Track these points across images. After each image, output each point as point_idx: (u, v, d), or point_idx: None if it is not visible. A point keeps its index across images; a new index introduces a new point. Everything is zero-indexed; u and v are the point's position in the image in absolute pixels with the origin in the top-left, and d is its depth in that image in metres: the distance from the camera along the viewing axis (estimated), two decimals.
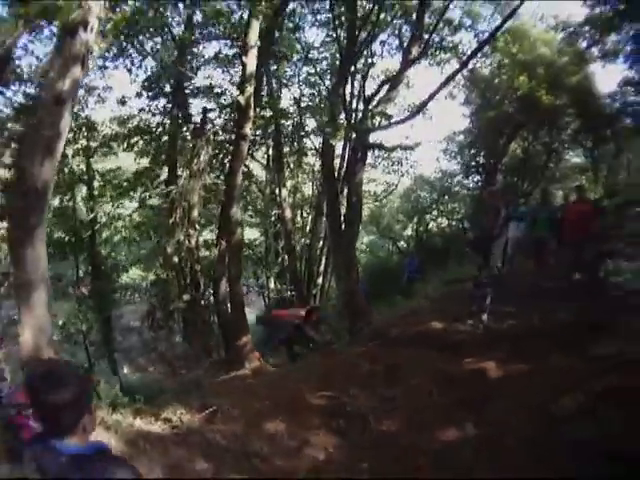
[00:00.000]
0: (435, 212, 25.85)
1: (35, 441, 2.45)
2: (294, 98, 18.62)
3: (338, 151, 16.57)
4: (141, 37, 14.85)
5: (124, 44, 14.54)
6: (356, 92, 17.58)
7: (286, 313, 11.98)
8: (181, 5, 14.01)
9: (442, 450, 5.66)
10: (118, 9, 7.61)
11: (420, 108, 16.37)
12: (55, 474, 2.29)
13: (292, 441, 6.09)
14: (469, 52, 17.16)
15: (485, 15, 18.23)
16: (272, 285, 18.13)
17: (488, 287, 9.94)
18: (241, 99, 10.93)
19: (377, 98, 15.94)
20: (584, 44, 19.56)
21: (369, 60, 18.21)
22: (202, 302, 12.74)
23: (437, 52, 18.05)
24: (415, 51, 15.10)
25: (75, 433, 2.39)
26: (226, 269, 11.18)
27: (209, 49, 16.03)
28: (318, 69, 18.41)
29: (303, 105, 18.52)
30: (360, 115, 16.21)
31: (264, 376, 8.86)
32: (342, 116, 15.39)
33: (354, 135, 15.10)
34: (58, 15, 6.16)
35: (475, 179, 24.58)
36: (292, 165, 18.69)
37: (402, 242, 26.79)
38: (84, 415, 2.42)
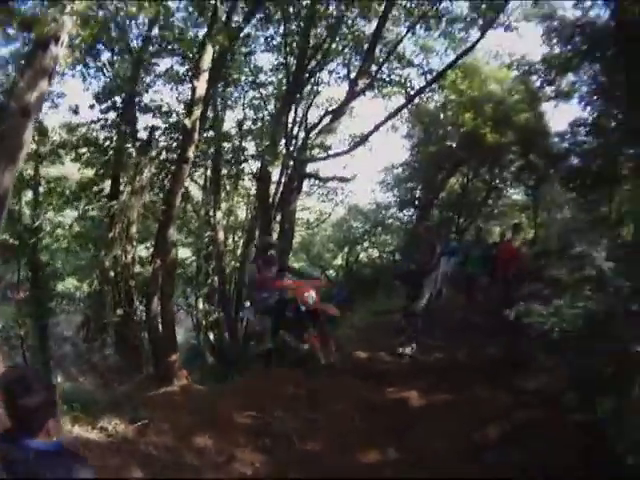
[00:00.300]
0: (367, 243, 26.11)
1: (3, 439, 2.69)
2: (237, 121, 18.85)
3: (274, 177, 16.87)
4: (99, 46, 15.04)
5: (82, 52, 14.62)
6: (298, 119, 17.82)
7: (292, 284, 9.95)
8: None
9: (364, 470, 6.18)
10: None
11: (362, 141, 16.92)
12: (24, 468, 2.55)
13: (220, 456, 6.51)
14: (417, 86, 17.84)
15: (438, 50, 18.77)
16: (200, 305, 18.23)
17: (416, 319, 10.52)
18: (187, 122, 11.13)
19: (319, 128, 16.32)
20: (538, 83, 19.82)
21: (315, 88, 18.57)
22: (134, 317, 12.82)
23: (385, 85, 18.47)
24: (362, 83, 15.59)
25: (40, 435, 2.66)
26: (159, 287, 11.29)
27: (161, 65, 16.01)
28: (263, 93, 18.72)
29: (245, 128, 18.75)
30: (300, 143, 16.62)
31: (192, 394, 9.07)
32: (283, 142, 15.78)
33: (292, 163, 15.43)
34: (36, 27, 6.45)
35: (410, 212, 25.03)
36: (228, 188, 18.89)
37: (331, 271, 27.02)
38: (49, 419, 2.70)
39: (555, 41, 17.59)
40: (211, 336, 17.67)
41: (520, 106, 19.91)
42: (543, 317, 6.01)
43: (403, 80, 18.08)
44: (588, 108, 18.40)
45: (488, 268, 13.63)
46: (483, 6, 15.82)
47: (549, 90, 19.83)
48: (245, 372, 11.33)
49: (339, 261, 26.90)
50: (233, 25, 13.39)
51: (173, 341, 11.13)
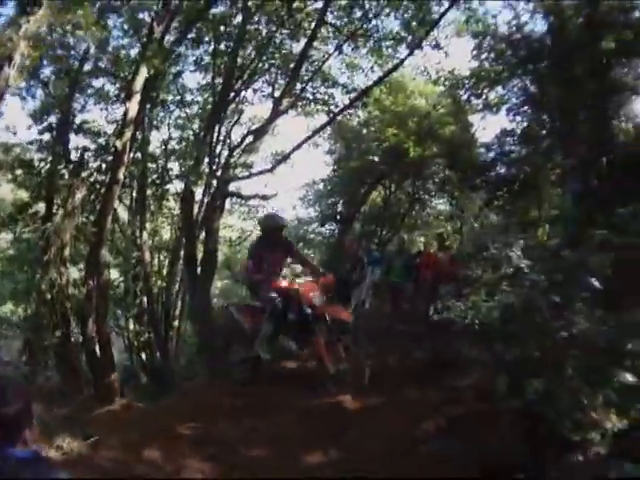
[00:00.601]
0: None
1: None
2: (162, 141, 19.29)
3: (198, 196, 17.28)
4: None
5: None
6: (222, 138, 18.27)
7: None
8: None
9: (308, 469, 6.70)
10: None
11: (283, 159, 17.21)
12: (6, 476, 2.71)
13: (170, 466, 6.87)
14: (341, 104, 18.34)
15: (364, 67, 18.85)
16: (131, 326, 18.28)
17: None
18: (118, 144, 11.37)
19: (242, 147, 16.61)
20: (465, 96, 19.87)
21: (239, 107, 19.06)
22: (72, 339, 12.87)
23: (308, 104, 18.95)
24: (286, 102, 15.94)
25: (17, 444, 2.83)
26: (94, 308, 11.39)
27: (92, 85, 15.97)
28: (189, 113, 19.14)
29: (170, 148, 19.19)
30: (223, 162, 17.04)
31: (134, 411, 9.40)
32: (206, 161, 16.21)
33: (215, 182, 15.80)
34: None
35: (332, 227, 25.46)
36: (153, 208, 19.05)
37: None
38: (27, 428, 2.89)
39: (485, 56, 18.03)
40: (143, 356, 17.83)
41: (446, 119, 20.59)
42: (462, 311, 6.46)
43: (327, 98, 18.62)
44: (517, 119, 18.86)
45: (412, 277, 14.32)
46: (414, 24, 16.35)
47: (477, 103, 20.12)
48: (180, 388, 11.70)
49: None
50: (166, 45, 13.72)
51: (111, 361, 11.40)
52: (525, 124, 18.70)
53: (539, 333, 5.46)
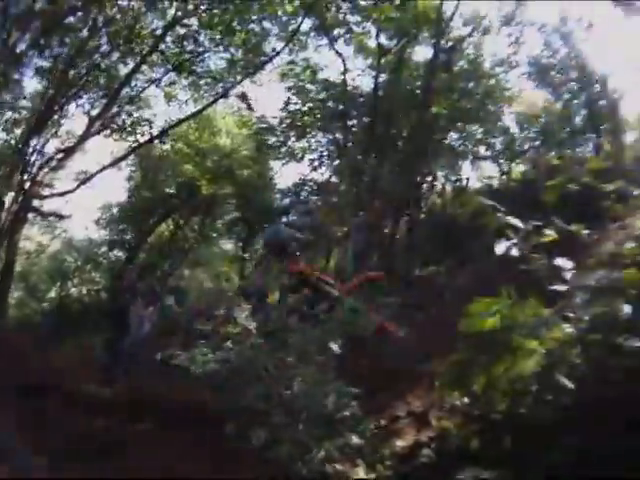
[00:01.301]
0: (78, 279, 25.92)
1: None
2: None
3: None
4: None
5: None
6: (38, 148, 17.51)
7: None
8: None
9: None
10: None
11: (87, 179, 17.68)
12: None
13: None
14: (147, 132, 18.76)
15: (181, 99, 19.25)
16: None
17: (125, 354, 11.37)
18: None
19: (53, 162, 16.86)
20: (271, 142, 20.51)
21: (60, 120, 18.41)
22: None
23: (118, 130, 18.95)
24: (99, 123, 16.56)
25: None
26: None
27: None
28: (17, 117, 18.30)
29: None
30: (32, 176, 16.78)
31: None
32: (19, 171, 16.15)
33: (22, 194, 15.91)
34: None
35: (120, 253, 25.27)
36: None
37: (46, 303, 26.13)
38: None
39: (299, 107, 19.18)
40: None
41: (246, 162, 21.47)
42: (185, 361, 7.25)
43: (133, 128, 18.85)
44: (320, 170, 19.95)
45: None
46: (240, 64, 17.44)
47: (282, 150, 20.91)
48: None
49: (53, 294, 26.35)
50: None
51: None
52: (327, 175, 20.06)
53: (262, 388, 5.86)
